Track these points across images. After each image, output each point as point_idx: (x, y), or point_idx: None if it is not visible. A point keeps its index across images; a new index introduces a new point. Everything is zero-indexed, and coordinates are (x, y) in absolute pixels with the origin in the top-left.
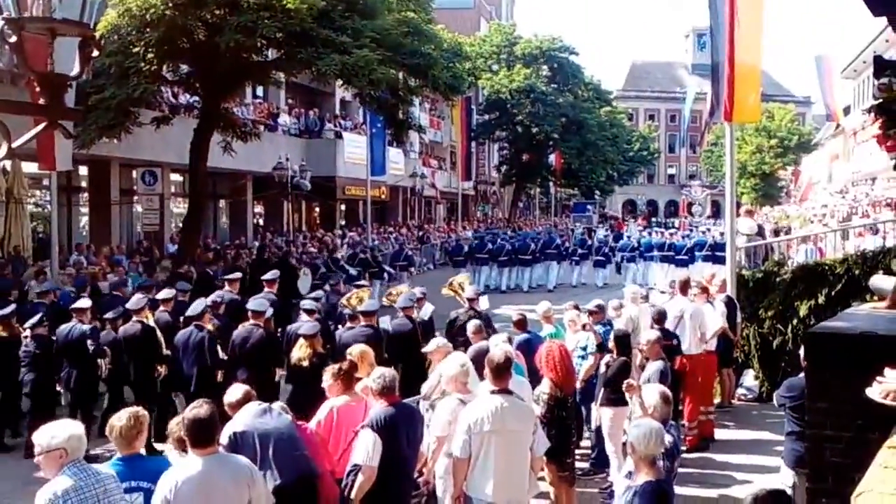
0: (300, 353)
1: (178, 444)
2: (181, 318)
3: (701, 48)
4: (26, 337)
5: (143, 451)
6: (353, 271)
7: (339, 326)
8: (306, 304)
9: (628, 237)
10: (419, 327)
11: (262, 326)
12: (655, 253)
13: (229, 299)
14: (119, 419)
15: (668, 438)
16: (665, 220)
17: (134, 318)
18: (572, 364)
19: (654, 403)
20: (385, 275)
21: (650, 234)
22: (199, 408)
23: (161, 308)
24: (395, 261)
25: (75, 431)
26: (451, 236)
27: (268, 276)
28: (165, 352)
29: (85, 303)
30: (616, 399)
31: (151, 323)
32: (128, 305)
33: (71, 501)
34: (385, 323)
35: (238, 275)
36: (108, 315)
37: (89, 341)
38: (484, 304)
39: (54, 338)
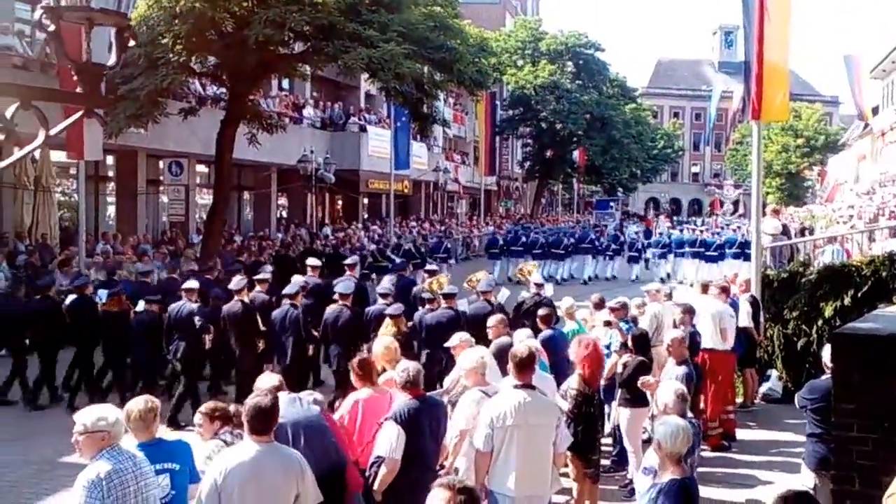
0: (386, 330)
1: (208, 430)
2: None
3: (728, 46)
4: (136, 312)
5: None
6: (398, 261)
7: (420, 308)
8: (383, 288)
9: (660, 234)
10: (496, 308)
11: (349, 307)
12: (687, 249)
13: (313, 283)
14: (136, 404)
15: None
16: (688, 219)
17: (235, 298)
18: (603, 360)
19: (668, 401)
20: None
21: (681, 230)
22: (262, 396)
23: (258, 289)
24: (435, 252)
25: (120, 416)
26: (473, 231)
27: (349, 261)
28: (262, 328)
29: (193, 283)
30: (633, 399)
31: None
32: (230, 286)
33: (112, 484)
34: (463, 305)
35: (318, 262)
36: (215, 293)
37: (196, 318)
38: (549, 290)
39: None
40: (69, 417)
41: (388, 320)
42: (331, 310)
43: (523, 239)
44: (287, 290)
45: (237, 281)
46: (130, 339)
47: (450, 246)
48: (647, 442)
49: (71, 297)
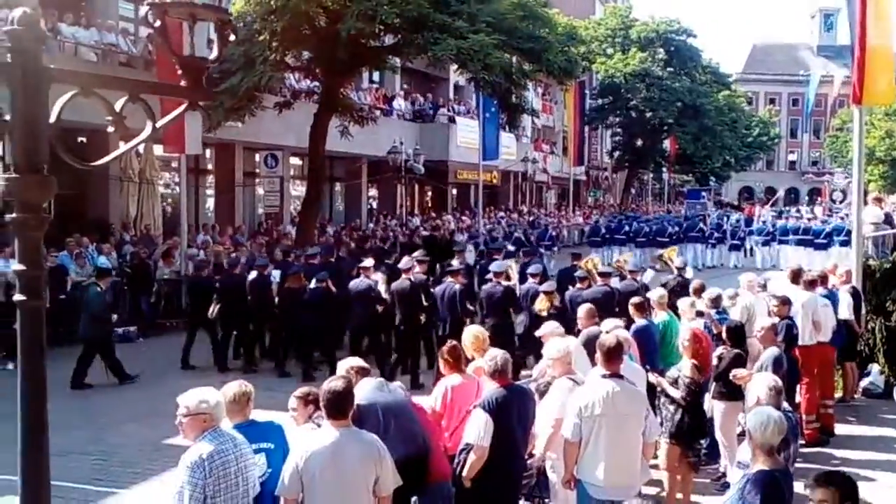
0: (541, 304)
1: (303, 415)
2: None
3: (828, 29)
4: (310, 288)
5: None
6: (510, 248)
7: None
8: (534, 269)
9: (763, 222)
10: (642, 288)
11: (502, 283)
12: (791, 237)
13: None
14: (231, 388)
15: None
16: (789, 208)
17: (403, 276)
18: (710, 349)
19: (762, 394)
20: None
21: (786, 219)
22: (336, 381)
23: (417, 270)
24: (541, 240)
25: (221, 399)
26: (562, 221)
27: (496, 245)
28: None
29: (370, 262)
30: (728, 393)
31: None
32: (400, 266)
33: (214, 464)
34: (615, 283)
35: (465, 245)
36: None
37: (373, 291)
38: (690, 273)
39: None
40: (172, 400)
41: (542, 295)
42: (486, 287)
43: (626, 228)
44: (452, 267)
45: (406, 261)
46: (305, 311)
47: (555, 234)
48: (742, 435)
49: (252, 275)
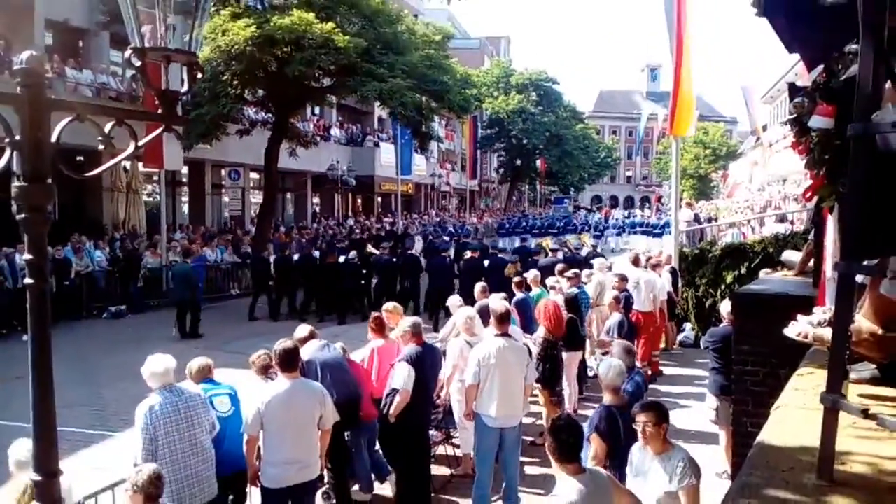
0: (509, 271)
1: (260, 371)
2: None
3: (653, 79)
4: (341, 263)
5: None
6: (446, 238)
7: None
8: (504, 246)
9: (616, 219)
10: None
11: (478, 258)
12: (637, 229)
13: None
14: (196, 361)
15: (637, 379)
16: (633, 210)
17: (408, 252)
18: (562, 315)
19: (618, 354)
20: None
21: (634, 216)
22: (286, 342)
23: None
24: (460, 232)
25: (171, 365)
26: (466, 222)
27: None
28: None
29: (386, 243)
30: (569, 345)
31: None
32: (406, 246)
33: (156, 412)
34: (560, 255)
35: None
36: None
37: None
38: (598, 248)
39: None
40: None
41: (509, 265)
42: (466, 260)
43: (524, 223)
44: (441, 246)
45: (410, 242)
46: (341, 279)
47: (471, 230)
48: (594, 378)
49: (297, 255)
